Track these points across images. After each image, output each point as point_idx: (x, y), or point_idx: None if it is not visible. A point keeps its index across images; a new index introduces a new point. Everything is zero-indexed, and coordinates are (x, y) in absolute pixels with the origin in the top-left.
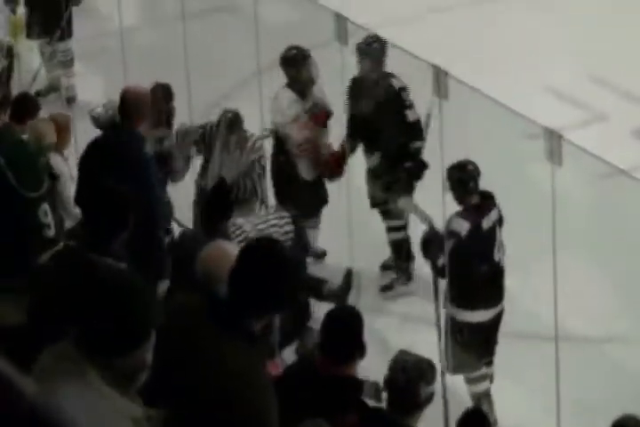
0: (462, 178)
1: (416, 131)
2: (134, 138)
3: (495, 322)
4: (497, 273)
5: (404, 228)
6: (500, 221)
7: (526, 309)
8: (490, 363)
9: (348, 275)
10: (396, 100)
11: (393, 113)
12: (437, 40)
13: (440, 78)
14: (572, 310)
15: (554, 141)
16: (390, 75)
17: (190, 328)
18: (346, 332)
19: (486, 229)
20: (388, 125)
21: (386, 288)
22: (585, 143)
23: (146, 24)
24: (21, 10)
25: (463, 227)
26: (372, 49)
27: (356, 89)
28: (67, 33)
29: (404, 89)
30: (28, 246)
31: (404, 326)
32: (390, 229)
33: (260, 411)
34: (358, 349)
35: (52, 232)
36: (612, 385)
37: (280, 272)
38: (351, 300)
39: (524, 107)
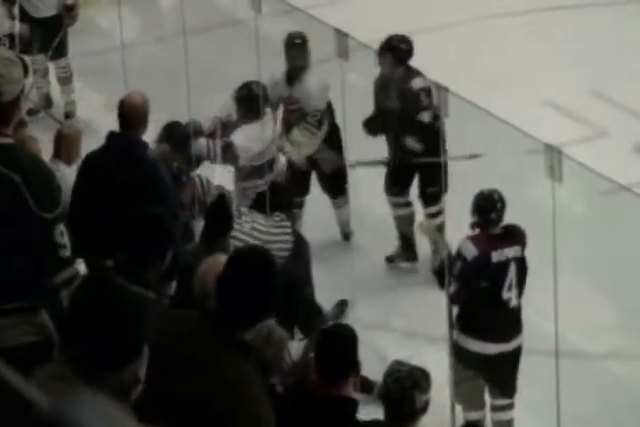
0: (483, 206)
1: (430, 132)
2: (137, 144)
3: (505, 358)
4: (505, 311)
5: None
6: (519, 261)
7: (527, 324)
8: (507, 395)
9: (342, 304)
10: (413, 100)
11: (408, 113)
12: (437, 56)
13: (440, 95)
14: (572, 325)
15: (554, 157)
16: (416, 74)
17: (185, 342)
18: (340, 351)
19: (496, 262)
20: (402, 125)
21: (390, 260)
22: (585, 159)
23: (147, 40)
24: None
25: (470, 252)
26: (391, 47)
27: (379, 86)
28: (63, 51)
29: (423, 90)
30: (44, 268)
31: (407, 343)
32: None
33: (262, 420)
34: (353, 368)
35: (67, 253)
36: (611, 400)
37: (267, 279)
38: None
39: (525, 122)
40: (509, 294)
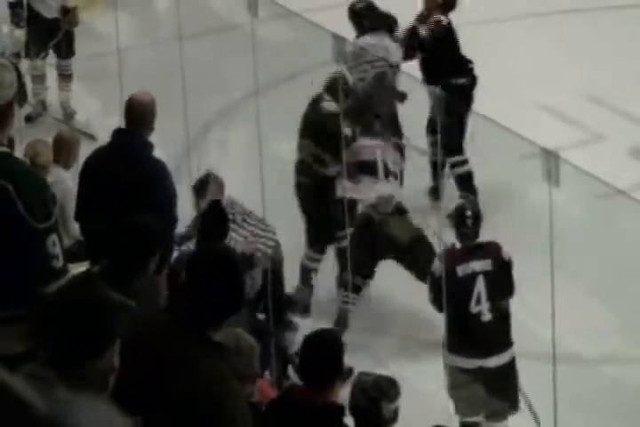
0: (456, 220)
1: None
2: (143, 143)
3: (487, 373)
4: (477, 325)
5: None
6: (489, 274)
7: (524, 328)
8: (499, 412)
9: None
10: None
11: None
12: None
13: (436, 99)
14: (569, 330)
15: (551, 162)
16: None
17: (158, 344)
18: (325, 357)
19: (461, 276)
20: None
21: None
22: (582, 163)
23: (144, 44)
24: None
25: (437, 267)
26: None
27: None
28: (69, 52)
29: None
30: (36, 277)
31: (405, 349)
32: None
33: (240, 418)
34: (339, 373)
35: (60, 263)
36: (609, 404)
37: (230, 277)
38: None
39: (521, 127)
40: (479, 308)
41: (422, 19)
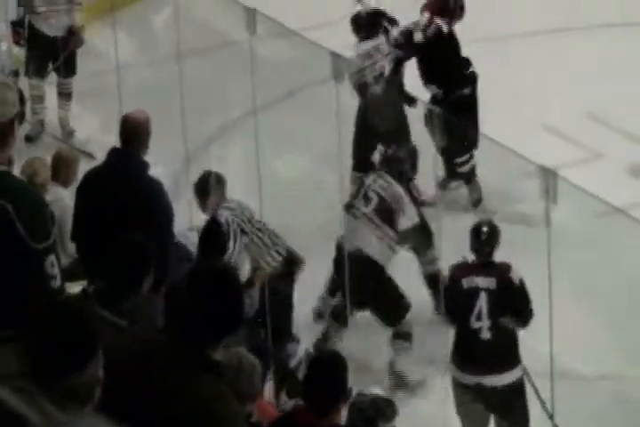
0: (470, 236)
1: None
2: (138, 162)
3: (486, 392)
4: (475, 340)
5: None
6: (492, 293)
7: (522, 346)
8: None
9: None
10: None
11: None
12: None
13: (433, 119)
14: (567, 348)
15: (549, 180)
16: None
17: (156, 364)
18: (329, 380)
19: (466, 288)
20: None
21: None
22: (581, 181)
23: (142, 62)
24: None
25: (444, 277)
26: None
27: None
28: (71, 71)
29: None
30: (34, 298)
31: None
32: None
33: None
34: (342, 396)
35: (58, 283)
36: (605, 422)
37: (229, 295)
38: None
39: (520, 145)
40: (479, 324)
41: (419, 24)
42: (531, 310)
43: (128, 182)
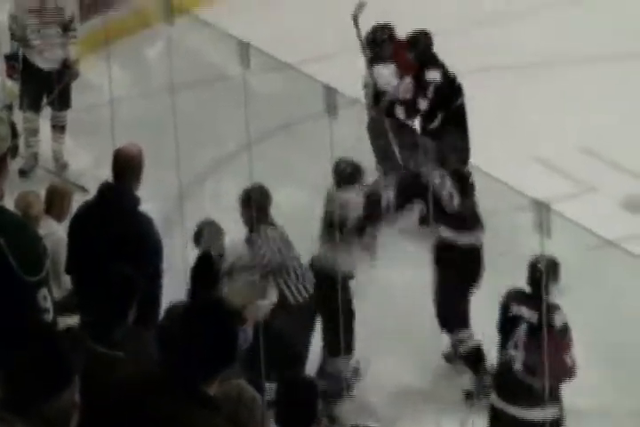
0: (528, 269)
1: None
2: (130, 197)
3: (511, 421)
4: (509, 369)
5: None
6: (532, 326)
7: None
8: None
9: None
10: None
11: None
12: None
13: (427, 150)
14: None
15: (542, 213)
16: None
17: (152, 397)
18: (300, 403)
19: (512, 315)
20: None
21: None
22: (574, 215)
23: (135, 95)
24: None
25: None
26: None
27: None
28: (68, 102)
29: None
30: (25, 332)
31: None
32: None
33: None
34: (313, 419)
35: (50, 317)
36: None
37: (223, 331)
38: None
39: (514, 178)
40: (514, 353)
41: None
42: (562, 362)
43: (120, 217)
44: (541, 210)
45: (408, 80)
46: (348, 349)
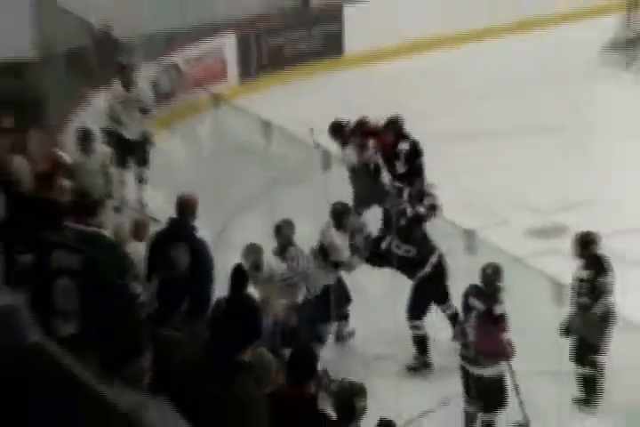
0: (480, 273)
1: None
2: (189, 228)
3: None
4: (467, 341)
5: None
6: (481, 314)
7: None
8: None
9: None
10: None
11: None
12: None
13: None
14: None
15: (470, 239)
16: None
17: (205, 365)
18: (302, 364)
19: (468, 304)
20: None
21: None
22: (493, 239)
23: (192, 158)
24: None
25: (462, 297)
26: None
27: None
28: (144, 163)
29: None
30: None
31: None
32: None
33: (261, 410)
34: (311, 375)
35: (141, 299)
36: None
37: (252, 315)
38: None
39: (450, 215)
40: (470, 331)
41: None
42: (497, 340)
43: (183, 240)
44: (470, 236)
45: (370, 153)
46: (346, 318)
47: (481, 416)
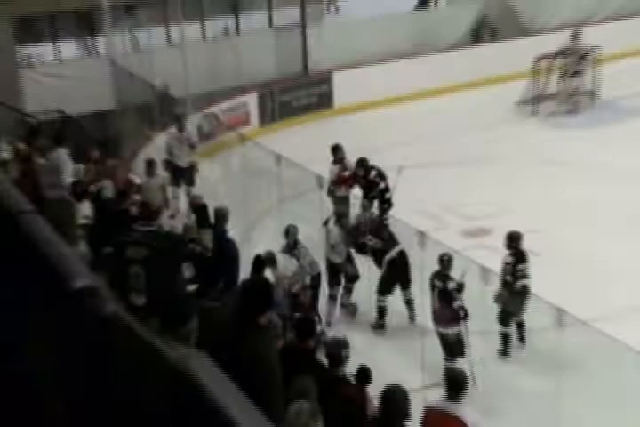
0: (438, 260)
1: None
2: (222, 230)
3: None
4: (433, 309)
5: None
6: (440, 290)
7: None
8: None
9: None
10: None
11: None
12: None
13: (366, 207)
14: None
15: (422, 237)
16: None
17: (231, 321)
18: (303, 325)
19: (432, 283)
20: None
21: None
22: (438, 237)
23: (223, 181)
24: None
25: (429, 279)
26: None
27: None
28: (192, 184)
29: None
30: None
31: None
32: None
33: (276, 363)
34: (312, 334)
35: (187, 275)
36: None
37: (267, 288)
38: None
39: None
40: (434, 302)
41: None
42: (451, 307)
43: (218, 238)
44: (422, 238)
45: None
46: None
47: (444, 362)
